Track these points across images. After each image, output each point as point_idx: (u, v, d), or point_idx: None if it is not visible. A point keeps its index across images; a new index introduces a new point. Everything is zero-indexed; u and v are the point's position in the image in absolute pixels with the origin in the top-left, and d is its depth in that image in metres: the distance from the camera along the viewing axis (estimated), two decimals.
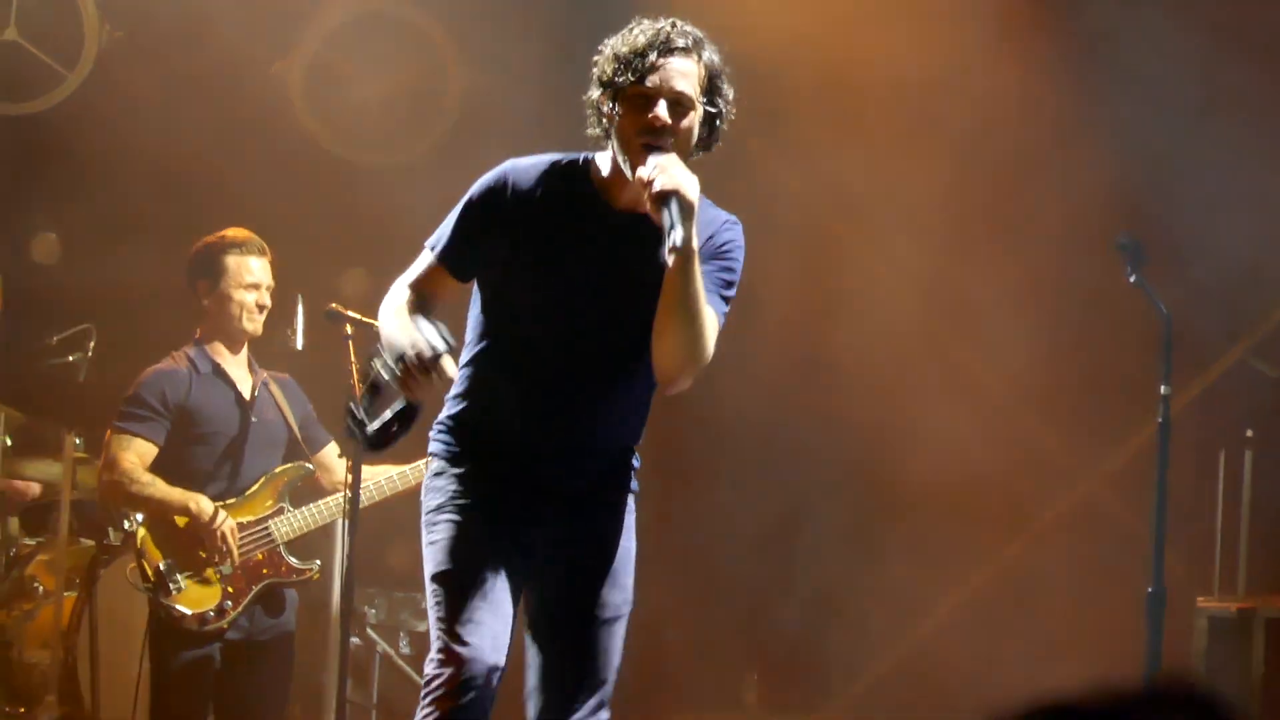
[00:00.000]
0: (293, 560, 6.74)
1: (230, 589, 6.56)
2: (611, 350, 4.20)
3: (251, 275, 6.66)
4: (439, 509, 4.25)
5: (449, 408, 4.30)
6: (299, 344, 6.80)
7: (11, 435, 7.44)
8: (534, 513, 4.23)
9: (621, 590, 4.29)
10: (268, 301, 6.70)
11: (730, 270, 4.20)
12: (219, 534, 6.52)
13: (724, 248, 4.21)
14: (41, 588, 7.24)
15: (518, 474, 4.21)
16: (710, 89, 4.17)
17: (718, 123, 4.22)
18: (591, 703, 4.21)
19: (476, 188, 4.23)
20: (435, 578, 4.19)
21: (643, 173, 3.99)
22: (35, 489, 7.53)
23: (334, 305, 6.48)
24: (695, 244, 3.95)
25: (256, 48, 8.64)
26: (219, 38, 8.48)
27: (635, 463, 4.38)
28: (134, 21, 8.53)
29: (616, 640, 4.26)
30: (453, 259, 4.26)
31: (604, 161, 4.22)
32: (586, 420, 4.23)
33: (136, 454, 6.52)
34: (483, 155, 4.59)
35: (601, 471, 4.30)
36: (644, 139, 4.07)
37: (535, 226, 4.19)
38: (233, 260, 6.68)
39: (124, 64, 8.60)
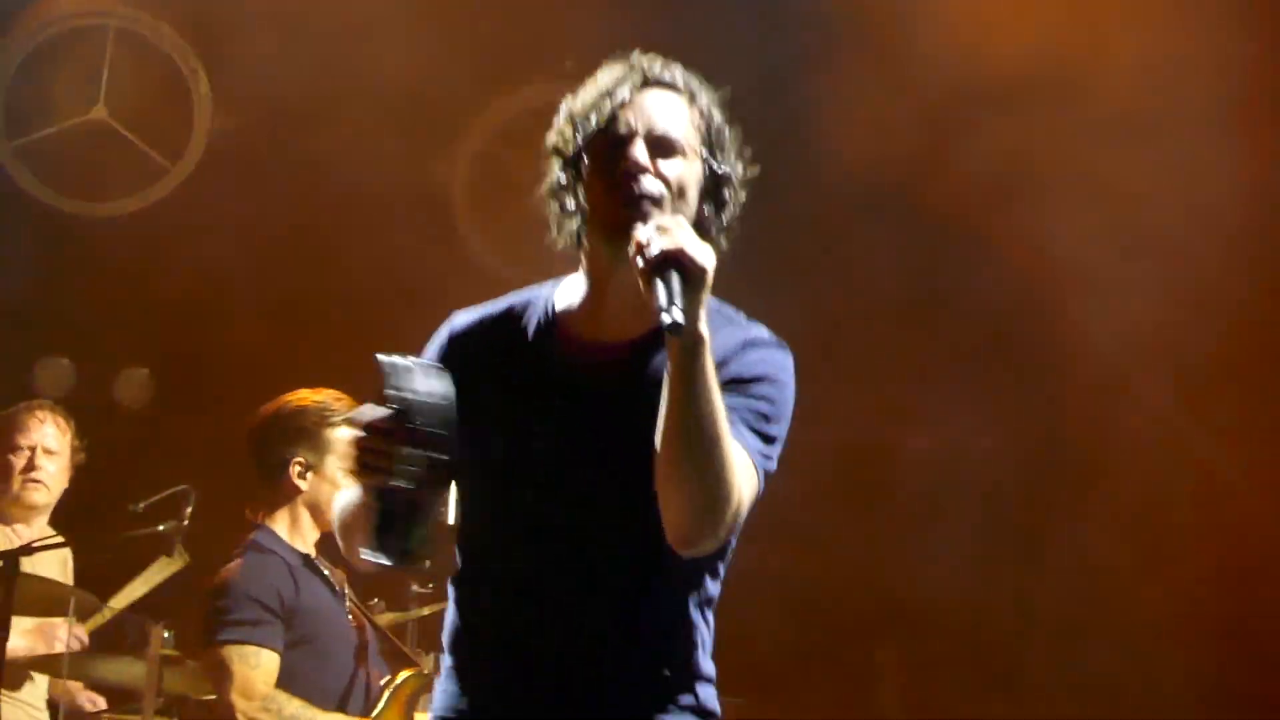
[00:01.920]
0: None
1: None
2: (606, 544, 3.26)
3: None
4: None
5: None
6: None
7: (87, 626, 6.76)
8: None
9: None
10: None
11: (767, 400, 3.27)
12: None
13: (753, 372, 3.28)
14: None
15: None
16: (712, 143, 3.32)
17: (725, 195, 3.32)
18: None
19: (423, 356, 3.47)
20: None
21: (640, 232, 3.08)
22: (101, 703, 6.92)
23: None
24: (703, 329, 3.03)
25: (399, 142, 7.87)
26: (356, 129, 7.63)
27: (701, 697, 3.33)
28: (254, 106, 7.69)
29: None
30: None
31: (571, 285, 3.39)
32: (582, 651, 3.28)
33: (267, 671, 5.67)
34: None
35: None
36: (622, 194, 3.20)
37: (480, 396, 3.32)
38: (345, 436, 5.40)
39: (239, 157, 7.78)
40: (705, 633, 3.36)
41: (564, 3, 7.69)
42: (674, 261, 3.03)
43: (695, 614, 3.34)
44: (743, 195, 3.34)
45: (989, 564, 8.08)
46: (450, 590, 3.43)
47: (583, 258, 3.33)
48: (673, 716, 3.30)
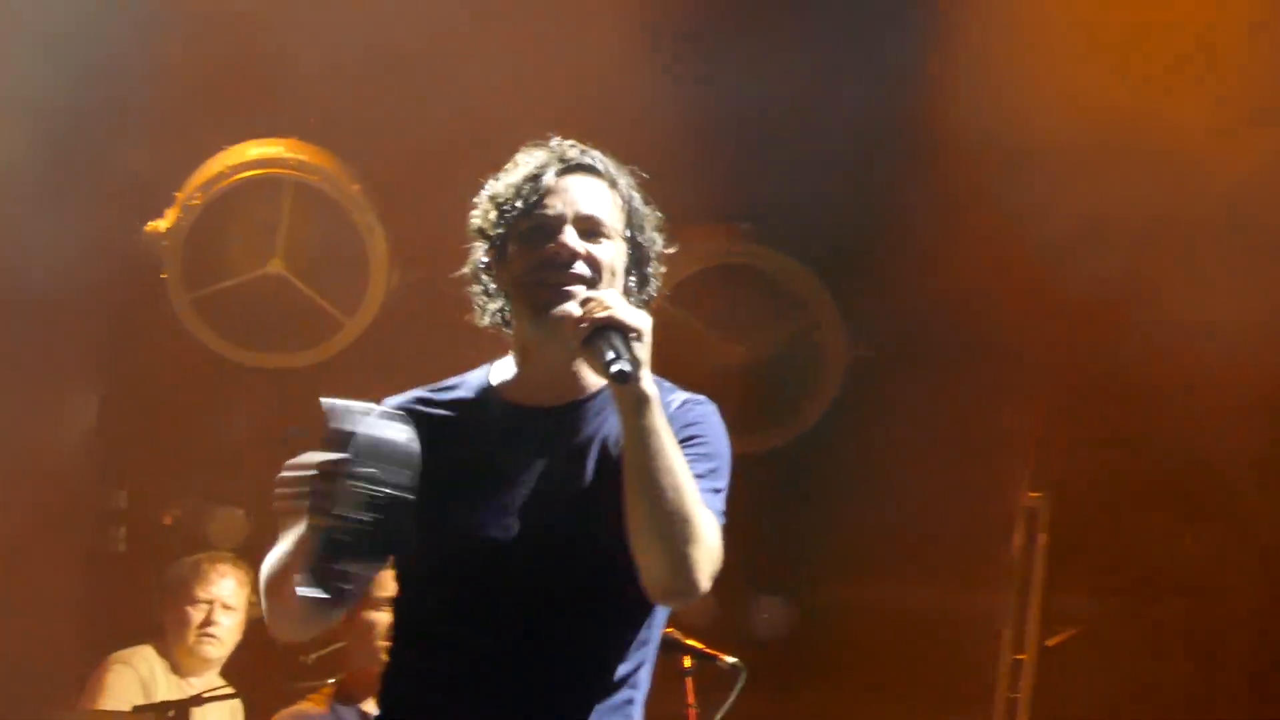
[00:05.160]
0: None
1: None
2: (536, 601, 3.37)
3: None
4: None
5: None
6: None
7: None
8: None
9: None
10: None
11: (707, 457, 3.39)
12: None
13: (689, 429, 3.40)
14: None
15: None
16: (633, 223, 3.47)
17: (649, 270, 3.49)
18: None
19: None
20: None
21: (568, 308, 3.29)
22: None
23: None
24: (650, 388, 3.20)
25: None
26: None
27: None
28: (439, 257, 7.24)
29: None
30: None
31: (503, 364, 3.51)
32: (520, 705, 3.36)
33: None
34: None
35: None
36: (549, 276, 3.35)
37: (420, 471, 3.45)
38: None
39: (414, 312, 7.59)
40: (639, 706, 3.44)
41: None
42: (611, 325, 3.20)
43: (627, 689, 3.41)
44: (662, 269, 3.49)
45: None
46: (390, 657, 3.48)
47: (510, 335, 3.46)
48: None
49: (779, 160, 7.37)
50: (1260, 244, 7.23)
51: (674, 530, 3.20)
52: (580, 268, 3.36)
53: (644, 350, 3.21)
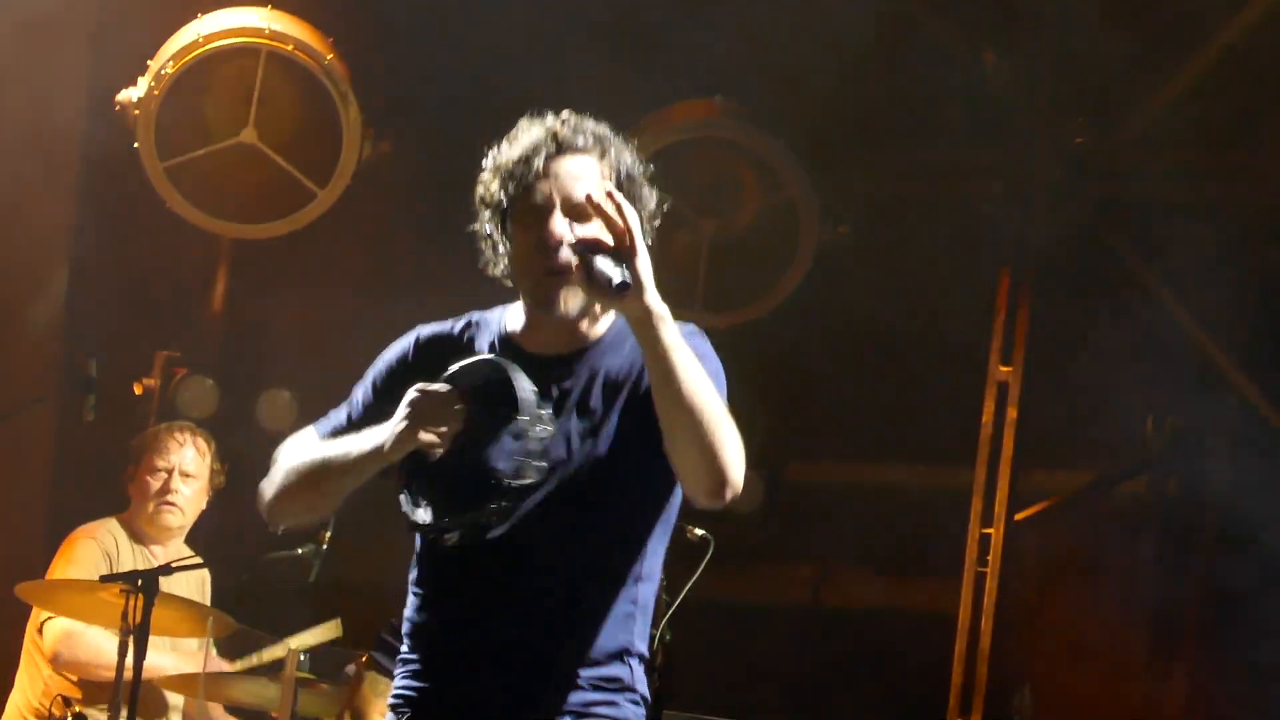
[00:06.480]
0: None
1: None
2: (559, 526, 3.59)
3: None
4: None
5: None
6: None
7: (220, 646, 6.63)
8: None
9: None
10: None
11: (713, 375, 3.58)
12: None
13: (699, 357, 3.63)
14: None
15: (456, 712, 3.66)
16: (624, 190, 3.61)
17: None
18: None
19: (382, 357, 3.77)
20: None
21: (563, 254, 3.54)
22: None
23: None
24: (659, 305, 3.41)
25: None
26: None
27: (631, 673, 3.66)
28: (406, 129, 7.56)
29: None
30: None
31: (516, 309, 3.74)
32: (535, 630, 3.61)
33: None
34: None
35: (566, 694, 3.62)
36: (544, 265, 3.56)
37: None
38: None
39: (389, 180, 7.60)
40: (640, 619, 3.65)
41: None
42: (604, 248, 3.41)
43: (630, 603, 3.63)
44: (656, 224, 3.64)
45: None
46: (412, 588, 3.66)
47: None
48: (603, 694, 3.59)
49: (757, 33, 7.32)
50: None
51: (713, 434, 3.41)
52: (567, 253, 3.52)
53: (646, 272, 3.38)
